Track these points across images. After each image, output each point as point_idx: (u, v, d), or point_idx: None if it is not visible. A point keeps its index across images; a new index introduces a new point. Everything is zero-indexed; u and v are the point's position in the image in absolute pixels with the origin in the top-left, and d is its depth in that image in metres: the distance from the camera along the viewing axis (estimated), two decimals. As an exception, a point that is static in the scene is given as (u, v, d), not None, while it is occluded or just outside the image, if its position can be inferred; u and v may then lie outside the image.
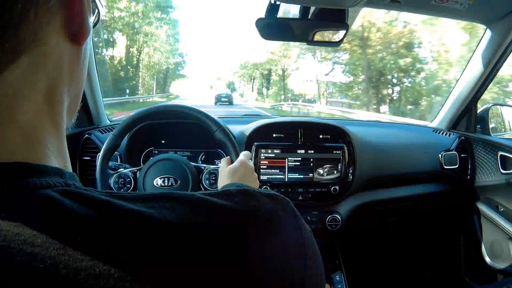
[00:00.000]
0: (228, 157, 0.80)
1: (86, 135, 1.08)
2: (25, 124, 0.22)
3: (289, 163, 1.07)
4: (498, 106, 1.27)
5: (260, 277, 0.21)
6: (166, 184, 0.81)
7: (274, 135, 1.09)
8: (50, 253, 0.17)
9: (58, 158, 0.24)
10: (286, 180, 1.06)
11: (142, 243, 0.19)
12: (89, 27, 0.26)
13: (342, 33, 0.84)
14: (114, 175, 0.81)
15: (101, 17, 0.31)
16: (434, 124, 1.41)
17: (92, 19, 0.27)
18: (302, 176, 1.07)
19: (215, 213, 0.22)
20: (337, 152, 1.08)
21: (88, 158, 1.06)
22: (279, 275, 0.22)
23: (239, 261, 0.20)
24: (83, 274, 0.17)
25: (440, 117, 1.38)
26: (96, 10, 0.30)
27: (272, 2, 0.76)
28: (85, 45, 0.27)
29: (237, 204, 0.24)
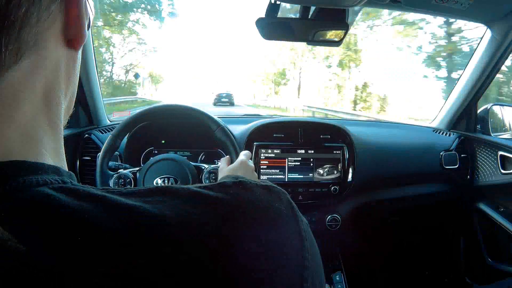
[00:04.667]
0: (228, 156, 0.80)
1: (86, 135, 1.08)
2: (24, 124, 0.22)
3: (289, 163, 1.07)
4: (498, 106, 1.27)
5: (257, 270, 0.20)
6: (166, 184, 0.81)
7: (274, 135, 1.09)
8: (45, 252, 0.17)
9: (55, 158, 0.24)
10: (286, 180, 1.06)
11: (137, 237, 0.19)
12: (85, 33, 0.26)
13: (342, 33, 0.84)
14: (114, 176, 0.81)
15: (91, 22, 0.31)
16: (434, 124, 1.41)
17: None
18: (302, 176, 1.07)
19: (210, 205, 0.22)
20: (337, 152, 1.08)
21: (88, 158, 1.06)
22: (276, 267, 0.21)
23: (235, 253, 0.20)
24: (78, 273, 0.17)
25: (440, 117, 1.38)
26: (88, 15, 0.30)
27: (272, 2, 0.76)
28: (80, 50, 0.27)
29: (233, 196, 0.23)
